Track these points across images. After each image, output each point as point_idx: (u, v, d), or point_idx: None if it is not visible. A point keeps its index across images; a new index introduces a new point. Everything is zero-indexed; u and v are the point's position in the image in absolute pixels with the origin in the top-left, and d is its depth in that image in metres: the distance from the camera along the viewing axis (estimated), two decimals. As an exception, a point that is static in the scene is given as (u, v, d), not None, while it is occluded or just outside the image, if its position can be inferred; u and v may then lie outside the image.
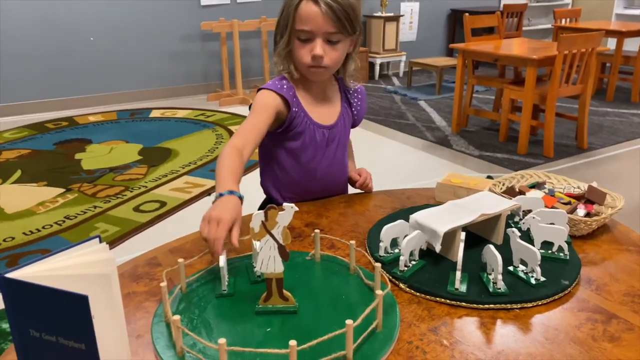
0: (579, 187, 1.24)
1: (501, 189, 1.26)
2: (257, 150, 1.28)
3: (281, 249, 0.80)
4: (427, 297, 0.89)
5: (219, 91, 5.30)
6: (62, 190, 3.11)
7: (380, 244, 0.99)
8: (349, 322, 0.70)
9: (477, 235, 1.07)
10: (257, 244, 0.83)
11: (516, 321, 0.84)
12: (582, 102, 3.69)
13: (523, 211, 1.11)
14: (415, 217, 0.99)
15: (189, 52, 5.30)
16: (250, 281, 0.92)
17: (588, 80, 3.59)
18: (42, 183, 3.22)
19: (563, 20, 5.29)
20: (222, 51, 5.09)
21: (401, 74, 6.43)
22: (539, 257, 0.90)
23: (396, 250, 0.99)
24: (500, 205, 1.03)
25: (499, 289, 0.88)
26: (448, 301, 0.87)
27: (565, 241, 0.99)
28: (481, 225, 1.04)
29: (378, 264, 0.87)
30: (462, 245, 0.90)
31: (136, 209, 2.85)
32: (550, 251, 1.00)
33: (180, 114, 4.75)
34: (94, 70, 4.93)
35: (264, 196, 1.39)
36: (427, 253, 0.99)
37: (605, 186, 1.22)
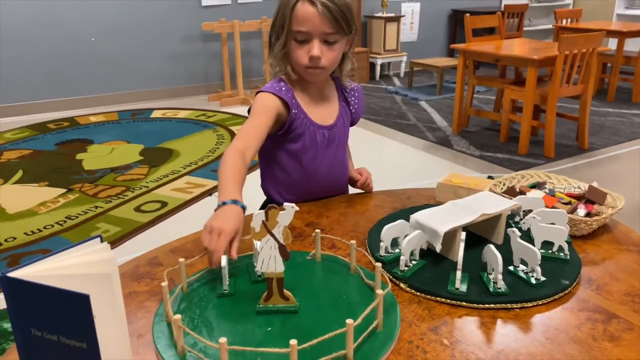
0: (579, 187, 1.24)
1: (502, 189, 1.27)
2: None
3: (282, 249, 0.81)
4: (428, 296, 0.89)
5: (220, 91, 5.30)
6: (63, 190, 3.12)
7: (381, 243, 0.99)
8: (349, 321, 0.70)
9: (477, 235, 1.07)
10: (257, 244, 0.84)
11: (516, 321, 0.84)
12: (583, 102, 3.69)
13: (523, 211, 1.11)
14: (415, 217, 0.99)
15: (190, 52, 5.31)
16: (251, 281, 0.92)
17: (589, 81, 3.59)
18: (43, 183, 3.23)
19: (564, 21, 5.29)
20: (223, 51, 5.10)
21: (402, 75, 6.43)
22: (539, 257, 0.90)
23: (397, 250, 0.99)
24: (501, 205, 1.03)
25: (499, 288, 0.88)
26: (448, 301, 0.87)
27: (566, 241, 0.99)
28: (481, 225, 1.05)
29: (378, 264, 0.87)
30: (462, 245, 0.91)
31: (137, 209, 2.85)
32: (550, 251, 1.00)
33: (181, 114, 4.75)
34: (95, 71, 4.94)
35: (264, 197, 1.40)
36: (427, 253, 0.99)
37: (606, 186, 1.22)
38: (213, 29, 4.90)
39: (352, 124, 1.39)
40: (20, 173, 3.40)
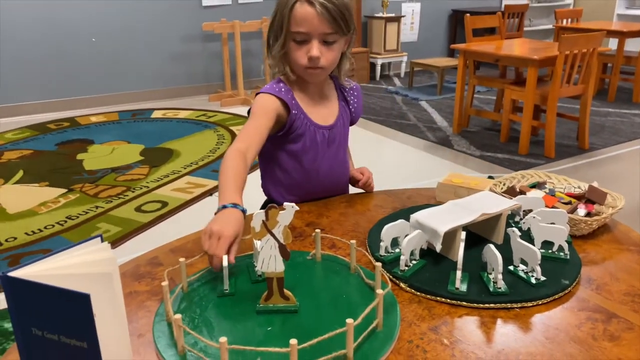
0: (579, 187, 1.24)
1: (502, 188, 1.27)
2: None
3: (282, 248, 0.81)
4: (428, 296, 0.89)
5: (221, 92, 5.30)
6: (64, 190, 3.12)
7: (381, 243, 0.99)
8: (349, 321, 0.70)
9: (477, 234, 1.07)
10: (258, 243, 0.84)
11: (516, 320, 0.84)
12: (584, 102, 3.69)
13: (523, 211, 1.11)
14: (415, 216, 0.99)
15: (191, 52, 5.31)
16: (251, 280, 0.92)
17: (589, 81, 3.59)
18: (44, 183, 3.23)
19: (564, 21, 5.29)
20: (224, 52, 5.10)
21: (402, 75, 6.43)
22: (539, 257, 0.90)
23: (397, 250, 0.99)
24: (501, 204, 1.03)
25: (499, 288, 0.88)
26: (448, 300, 0.87)
27: (566, 241, 0.99)
28: (482, 225, 1.05)
29: (378, 264, 0.87)
30: (462, 245, 0.91)
31: (138, 209, 2.86)
32: (550, 251, 1.00)
33: (182, 114, 4.76)
34: (95, 71, 4.94)
35: (264, 197, 1.40)
36: (427, 252, 0.99)
37: (607, 186, 1.22)
38: (214, 29, 4.90)
39: (352, 123, 1.39)
40: (20, 173, 3.40)
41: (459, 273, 0.89)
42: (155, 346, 0.77)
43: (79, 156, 3.70)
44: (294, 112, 1.23)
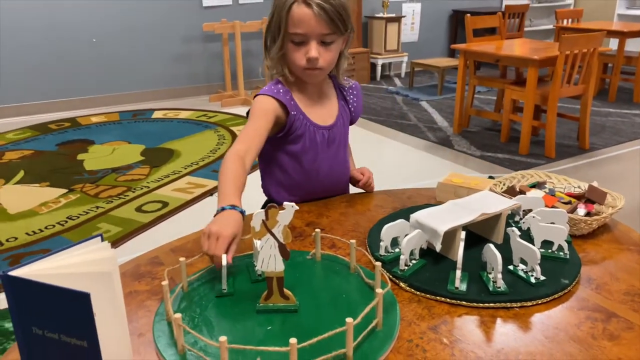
0: (579, 187, 1.24)
1: (502, 188, 1.27)
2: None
3: (282, 248, 0.81)
4: (427, 296, 0.89)
5: (221, 92, 5.31)
6: (64, 190, 3.12)
7: (381, 243, 0.99)
8: (349, 320, 0.71)
9: (477, 234, 1.07)
10: (257, 243, 0.84)
11: (516, 320, 0.84)
12: (584, 102, 3.69)
13: (523, 211, 1.11)
14: (415, 216, 0.99)
15: (191, 53, 5.31)
16: (251, 280, 0.93)
17: (590, 81, 3.59)
18: (44, 184, 3.23)
19: (565, 21, 5.29)
20: (224, 52, 5.10)
21: (403, 75, 6.43)
22: (539, 256, 0.90)
23: (396, 250, 1.00)
24: (501, 204, 1.04)
25: (499, 287, 0.88)
26: (448, 300, 0.88)
27: (566, 240, 0.99)
28: (481, 225, 1.05)
29: (378, 263, 0.87)
30: (462, 245, 0.91)
31: (138, 209, 2.86)
32: (550, 250, 1.00)
33: (183, 114, 4.76)
34: (96, 72, 4.95)
35: (265, 197, 1.40)
36: (427, 252, 0.99)
37: (607, 186, 1.22)
38: (214, 30, 4.90)
39: (352, 122, 1.39)
40: (21, 173, 3.40)
41: (458, 272, 0.89)
42: (155, 345, 0.77)
43: (80, 156, 3.71)
44: (293, 113, 1.23)
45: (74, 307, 0.61)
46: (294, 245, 1.06)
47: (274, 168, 1.31)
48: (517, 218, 1.13)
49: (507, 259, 0.94)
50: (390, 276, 0.93)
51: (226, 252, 0.90)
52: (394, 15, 6.05)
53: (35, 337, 0.64)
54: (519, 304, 0.87)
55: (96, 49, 4.89)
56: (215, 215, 0.96)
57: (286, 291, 0.84)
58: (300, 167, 1.29)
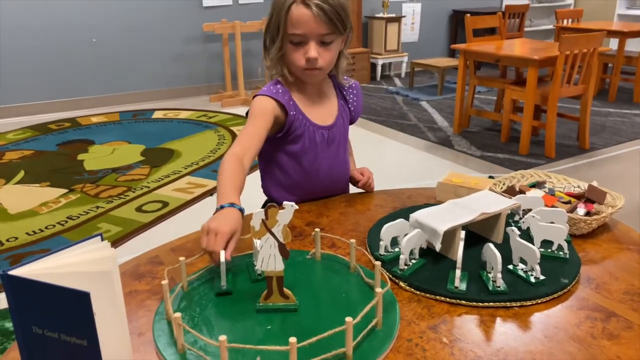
0: (579, 186, 1.24)
1: (501, 188, 1.27)
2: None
3: (281, 247, 0.81)
4: (427, 295, 0.89)
5: (221, 92, 5.31)
6: (64, 190, 3.12)
7: (381, 242, 0.99)
8: (348, 319, 0.71)
9: (477, 234, 1.07)
10: (257, 242, 0.84)
11: (515, 319, 0.84)
12: (584, 102, 3.69)
13: (523, 210, 1.11)
14: (415, 215, 1.00)
15: (191, 53, 5.31)
16: (251, 279, 0.93)
17: (590, 81, 3.59)
18: (45, 184, 3.23)
19: (565, 21, 5.29)
20: (224, 52, 5.11)
21: (403, 75, 6.43)
22: (539, 256, 0.91)
23: (396, 249, 1.00)
24: (500, 204, 1.04)
25: (499, 287, 0.88)
26: (448, 299, 0.88)
27: (565, 240, 0.99)
28: (481, 224, 1.05)
29: (378, 263, 0.87)
30: (462, 244, 0.91)
31: (138, 209, 2.86)
32: (549, 250, 1.00)
33: (183, 114, 4.76)
34: (96, 72, 4.95)
35: (265, 197, 1.40)
36: (427, 252, 0.99)
37: (607, 186, 1.22)
38: (214, 30, 4.90)
39: (352, 122, 1.39)
40: (22, 173, 3.41)
41: (458, 272, 0.89)
42: (155, 345, 0.77)
43: (80, 156, 3.71)
44: (292, 113, 1.23)
45: (73, 306, 0.61)
46: (293, 245, 1.06)
47: (274, 168, 1.32)
48: (516, 218, 1.13)
49: (507, 258, 0.94)
50: (390, 276, 0.93)
51: (225, 248, 0.90)
52: (394, 15, 6.05)
53: (35, 336, 0.64)
54: (518, 304, 0.87)
55: (96, 49, 4.90)
56: (214, 214, 0.96)
57: (286, 290, 0.84)
58: (300, 167, 1.29)
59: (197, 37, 5.27)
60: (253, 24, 5.02)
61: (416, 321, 0.83)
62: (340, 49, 1.26)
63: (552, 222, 1.02)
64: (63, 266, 0.66)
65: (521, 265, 0.94)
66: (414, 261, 0.96)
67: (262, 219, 0.80)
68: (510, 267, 0.94)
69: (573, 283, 0.92)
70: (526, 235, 1.01)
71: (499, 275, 0.89)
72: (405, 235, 0.95)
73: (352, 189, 1.42)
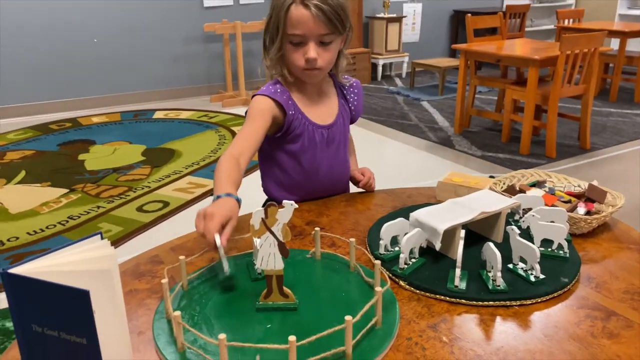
0: (579, 186, 1.24)
1: (501, 187, 1.27)
2: (257, 153, 1.29)
3: (281, 246, 0.81)
4: (427, 294, 0.89)
5: (222, 92, 5.31)
6: (65, 190, 3.13)
7: (381, 241, 0.99)
8: (348, 318, 0.71)
9: (477, 233, 1.07)
10: (257, 241, 0.84)
11: (515, 318, 0.84)
12: (585, 102, 3.69)
13: (523, 209, 1.11)
14: (415, 215, 1.00)
15: (192, 53, 5.32)
16: (250, 278, 0.93)
17: (591, 81, 3.59)
18: (46, 183, 3.24)
19: (566, 21, 5.29)
20: (225, 52, 5.11)
21: (404, 75, 6.43)
22: (539, 255, 0.90)
23: (396, 248, 1.00)
24: (500, 203, 1.04)
25: (499, 286, 0.88)
26: (447, 298, 0.88)
27: (565, 239, 0.99)
28: (481, 223, 1.05)
29: (378, 262, 0.87)
30: (462, 243, 0.91)
31: (139, 209, 2.86)
32: (550, 249, 1.00)
33: (184, 115, 4.76)
34: (97, 72, 4.96)
35: (265, 197, 1.40)
36: (427, 251, 0.99)
37: (608, 186, 1.22)
38: (215, 30, 4.91)
39: (352, 120, 1.39)
40: (23, 173, 3.41)
41: (458, 271, 0.89)
42: (155, 343, 0.77)
43: (81, 156, 3.71)
44: (290, 112, 1.23)
45: (73, 305, 0.61)
46: (293, 244, 1.06)
47: (274, 167, 1.32)
48: (516, 217, 1.13)
49: (507, 257, 0.94)
50: (390, 274, 0.93)
51: (222, 237, 0.89)
52: (394, 15, 6.05)
53: (35, 334, 0.64)
54: (518, 303, 0.87)
55: (97, 49, 4.90)
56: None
57: (286, 289, 0.84)
58: (300, 167, 1.29)
59: (198, 38, 5.27)
60: (254, 24, 5.02)
61: (416, 320, 0.83)
62: (339, 49, 1.26)
63: (552, 221, 1.02)
64: (63, 264, 0.66)
65: (521, 265, 0.94)
66: (413, 260, 0.96)
67: (262, 218, 0.80)
68: (510, 266, 0.94)
69: (573, 282, 0.92)
70: (526, 234, 1.01)
71: (499, 274, 0.89)
72: (405, 234, 0.95)
73: (353, 189, 1.42)
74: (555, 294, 0.89)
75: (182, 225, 2.68)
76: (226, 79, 5.26)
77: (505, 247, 0.95)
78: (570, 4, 7.36)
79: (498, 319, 0.84)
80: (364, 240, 1.07)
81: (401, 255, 0.94)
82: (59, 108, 4.86)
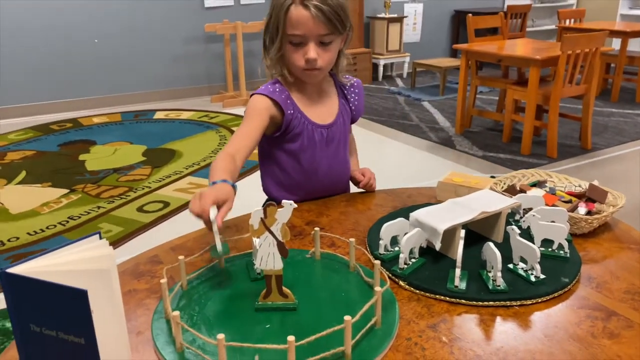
0: (580, 186, 1.24)
1: (502, 187, 1.26)
2: (256, 152, 1.29)
3: (280, 246, 0.81)
4: (427, 294, 0.89)
5: (223, 93, 5.31)
6: (66, 190, 3.13)
7: (380, 241, 0.99)
8: (347, 318, 0.70)
9: (477, 233, 1.07)
10: (256, 241, 0.84)
11: (515, 318, 0.84)
12: (586, 102, 3.68)
13: (523, 209, 1.11)
14: (415, 214, 0.99)
15: (193, 53, 5.32)
16: (250, 278, 0.92)
17: (592, 80, 3.58)
18: (46, 184, 3.24)
19: (567, 21, 5.28)
20: (226, 53, 5.11)
21: (405, 75, 6.43)
22: (539, 255, 0.90)
23: (396, 248, 0.99)
24: (501, 203, 1.03)
25: (499, 286, 0.88)
26: (447, 298, 0.87)
27: (566, 239, 0.99)
28: (481, 223, 1.04)
29: (378, 262, 0.87)
30: (462, 243, 0.91)
31: (140, 209, 2.86)
32: (550, 249, 1.00)
33: (184, 115, 4.77)
34: (98, 72, 4.96)
35: (265, 197, 1.40)
36: (427, 251, 0.99)
37: (609, 186, 1.21)
38: (216, 30, 4.91)
39: (353, 120, 1.39)
40: (23, 174, 3.41)
41: (458, 271, 0.89)
42: (153, 343, 0.77)
43: (82, 157, 3.72)
44: (289, 112, 1.23)
45: (71, 305, 0.61)
46: (293, 244, 1.06)
47: (273, 167, 1.31)
48: (517, 217, 1.12)
49: (507, 257, 0.94)
50: (390, 275, 0.93)
51: (219, 229, 0.90)
52: (395, 15, 6.05)
53: (33, 334, 0.64)
54: (518, 303, 0.86)
55: (98, 49, 4.90)
56: None
57: (285, 289, 0.84)
58: (299, 166, 1.29)
59: (199, 38, 5.27)
60: (255, 24, 5.02)
61: (416, 320, 0.83)
62: (340, 48, 1.26)
63: (552, 221, 1.01)
64: (61, 264, 0.66)
65: (521, 264, 0.94)
66: (413, 260, 0.96)
67: (261, 218, 0.80)
68: (511, 266, 0.94)
69: (573, 282, 0.92)
70: (526, 234, 1.01)
71: (499, 274, 0.88)
72: (405, 234, 0.95)
73: (353, 189, 1.42)
74: (556, 294, 0.89)
75: (182, 225, 2.68)
76: (227, 79, 5.26)
77: (505, 247, 0.95)
78: (572, 4, 7.36)
79: (498, 319, 0.83)
80: (363, 240, 1.07)
81: (401, 255, 0.94)
82: (59, 108, 4.87)
